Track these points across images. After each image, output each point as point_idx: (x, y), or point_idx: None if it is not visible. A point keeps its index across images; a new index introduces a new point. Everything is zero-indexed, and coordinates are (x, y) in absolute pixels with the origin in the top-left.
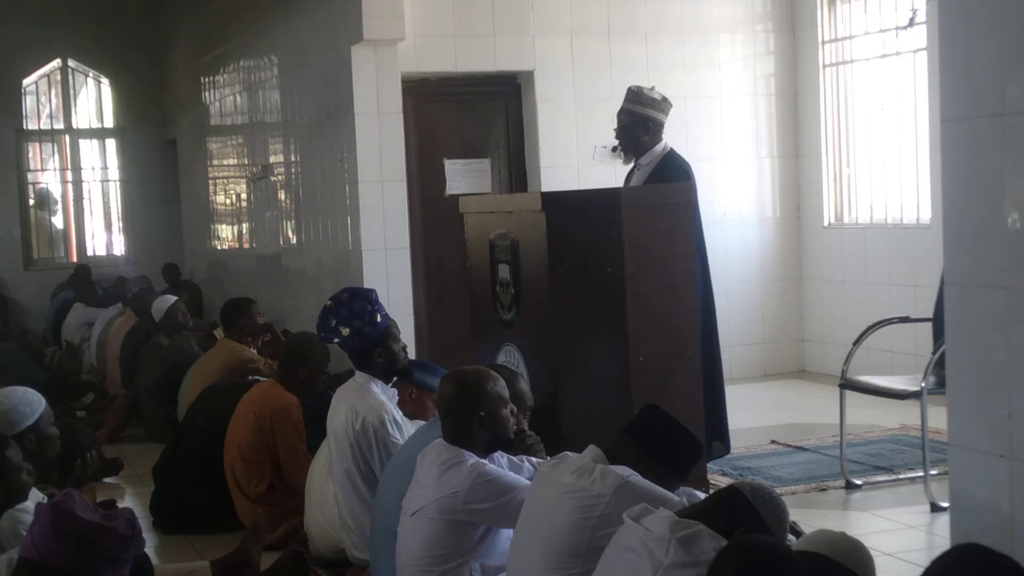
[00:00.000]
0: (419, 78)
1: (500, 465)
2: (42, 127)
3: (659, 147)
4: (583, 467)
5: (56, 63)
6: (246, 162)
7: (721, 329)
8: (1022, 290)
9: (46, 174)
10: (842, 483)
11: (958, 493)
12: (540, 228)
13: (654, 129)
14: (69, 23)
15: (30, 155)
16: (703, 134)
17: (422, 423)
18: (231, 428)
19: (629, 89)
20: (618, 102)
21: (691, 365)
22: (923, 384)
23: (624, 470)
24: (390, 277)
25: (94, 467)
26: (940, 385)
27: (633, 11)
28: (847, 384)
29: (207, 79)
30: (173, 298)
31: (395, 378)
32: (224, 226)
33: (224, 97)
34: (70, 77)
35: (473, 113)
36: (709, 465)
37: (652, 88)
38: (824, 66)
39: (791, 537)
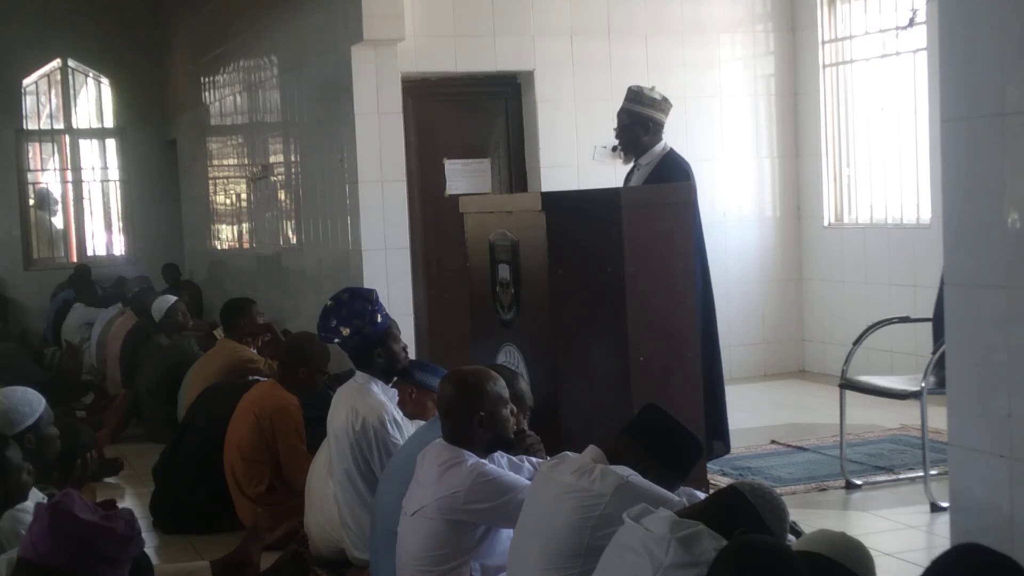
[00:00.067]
0: (419, 78)
1: (500, 465)
2: (42, 127)
3: (659, 147)
4: (583, 467)
5: (56, 63)
6: (246, 162)
7: (721, 329)
8: (1022, 290)
9: (46, 174)
10: (842, 483)
11: (958, 493)
12: (540, 228)
13: (654, 129)
14: (69, 23)
15: (30, 155)
16: (703, 134)
17: (422, 423)
18: (231, 428)
19: (629, 89)
20: (618, 102)
21: (691, 365)
22: (923, 384)
23: (624, 470)
24: (390, 277)
25: (94, 467)
26: (940, 385)
27: (633, 11)
28: (847, 384)
29: (207, 79)
30: (173, 298)
31: (395, 378)
32: (224, 226)
33: (224, 97)
34: (70, 77)
35: (473, 113)
36: (709, 465)
37: (652, 88)
38: (824, 66)
39: (791, 537)
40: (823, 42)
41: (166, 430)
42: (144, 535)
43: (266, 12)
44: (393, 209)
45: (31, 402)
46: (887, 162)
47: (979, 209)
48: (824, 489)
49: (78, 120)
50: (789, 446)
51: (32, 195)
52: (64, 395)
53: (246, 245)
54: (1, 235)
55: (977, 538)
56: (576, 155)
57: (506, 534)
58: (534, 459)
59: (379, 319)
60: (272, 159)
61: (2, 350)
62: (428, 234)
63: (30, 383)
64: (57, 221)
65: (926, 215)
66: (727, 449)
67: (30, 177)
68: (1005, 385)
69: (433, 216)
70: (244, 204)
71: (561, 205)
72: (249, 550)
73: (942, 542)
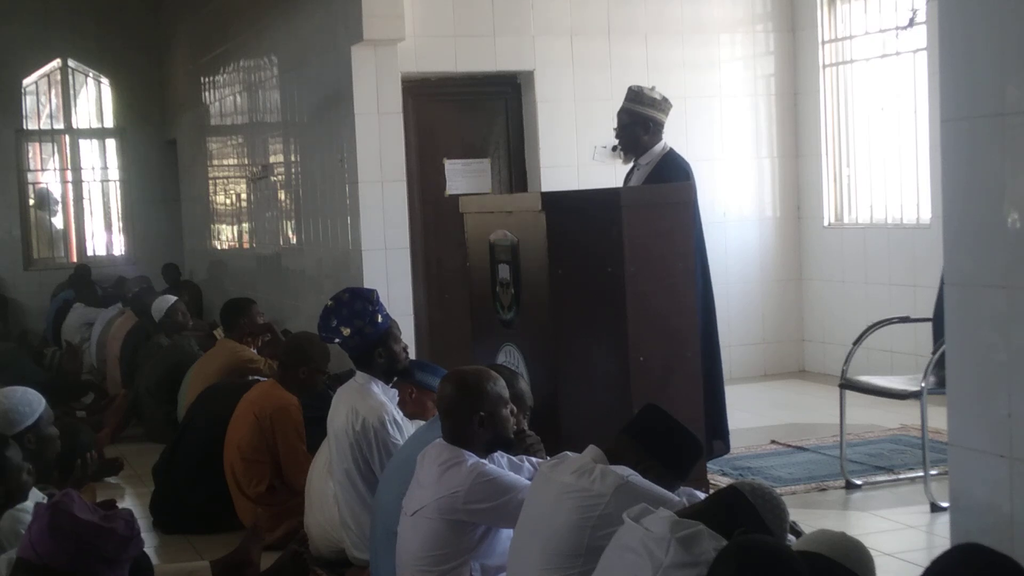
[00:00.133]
0: (419, 78)
1: (500, 465)
2: (42, 127)
3: (659, 147)
4: (583, 467)
5: (56, 63)
6: (246, 162)
7: (721, 329)
8: (1022, 290)
9: (46, 174)
10: (842, 483)
11: (958, 493)
12: (540, 228)
13: (654, 129)
14: (69, 23)
15: (30, 155)
16: (703, 134)
17: (422, 423)
18: (231, 428)
19: (630, 89)
20: (618, 102)
21: (691, 365)
22: (923, 384)
23: (624, 470)
24: (390, 277)
25: (94, 467)
26: (940, 385)
27: (633, 11)
28: (847, 384)
29: (207, 79)
30: (173, 298)
31: (396, 378)
32: (224, 226)
33: (224, 97)
34: (70, 77)
35: (473, 113)
36: (709, 465)
37: (652, 88)
38: (824, 66)
39: (791, 537)
40: (823, 42)
41: (166, 430)
42: (144, 535)
43: (266, 12)
44: (393, 209)
45: (31, 402)
46: (887, 162)
47: (979, 209)
48: (824, 489)
49: (78, 120)
50: (789, 446)
51: (32, 195)
52: (64, 395)
53: (246, 245)
54: (1, 235)
55: (977, 538)
56: (576, 155)
57: (506, 534)
58: (534, 459)
59: (380, 319)
60: (272, 159)
61: (2, 350)
62: (428, 234)
63: (30, 383)
64: (57, 221)
65: (926, 215)
66: (727, 449)
67: (30, 177)
68: (1005, 385)
69: (433, 216)
70: (244, 204)
71: (561, 205)
72: (249, 550)
73: (942, 542)
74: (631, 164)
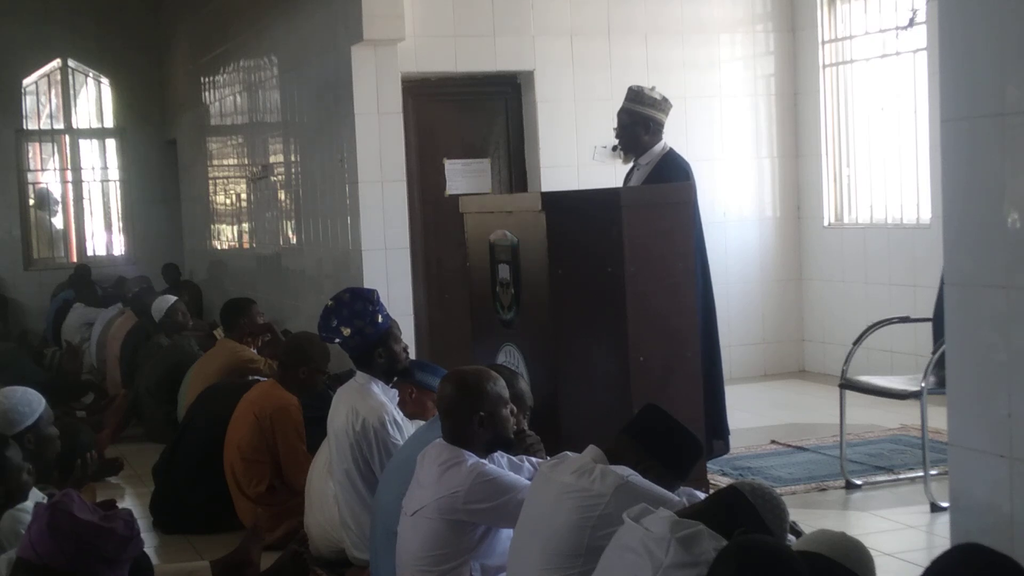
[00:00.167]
0: (419, 78)
1: (500, 465)
2: (42, 127)
3: (659, 147)
4: (583, 467)
5: (56, 63)
6: (246, 162)
7: (721, 329)
8: (1022, 290)
9: (46, 174)
10: (842, 483)
11: (958, 493)
12: (540, 228)
13: (654, 129)
14: (69, 23)
15: (30, 155)
16: (703, 134)
17: (422, 423)
18: (231, 428)
19: (630, 89)
20: (618, 102)
21: (691, 365)
22: (923, 384)
23: (624, 470)
24: (390, 277)
25: (94, 467)
26: (940, 385)
27: (633, 11)
28: (847, 384)
29: (207, 79)
30: (173, 298)
31: (396, 378)
32: (224, 226)
33: (224, 97)
34: (70, 77)
35: (473, 113)
36: (709, 465)
37: (652, 88)
38: (824, 66)
39: (791, 537)
40: (823, 42)
41: (166, 430)
42: (144, 535)
43: (266, 12)
44: (393, 209)
45: (31, 402)
46: (887, 162)
47: (979, 209)
48: (824, 489)
49: (78, 120)
50: (789, 446)
51: (32, 195)
52: (64, 395)
53: (246, 245)
54: (1, 235)
55: (977, 538)
56: (576, 155)
57: (506, 534)
58: (534, 459)
59: (380, 319)
60: (272, 159)
61: (2, 350)
62: (428, 234)
63: (30, 383)
64: (57, 221)
65: (926, 215)
66: (727, 449)
67: (30, 177)
68: (1005, 385)
69: (433, 216)
70: (244, 204)
71: (561, 205)
72: (249, 550)
73: (942, 542)
74: (631, 164)
